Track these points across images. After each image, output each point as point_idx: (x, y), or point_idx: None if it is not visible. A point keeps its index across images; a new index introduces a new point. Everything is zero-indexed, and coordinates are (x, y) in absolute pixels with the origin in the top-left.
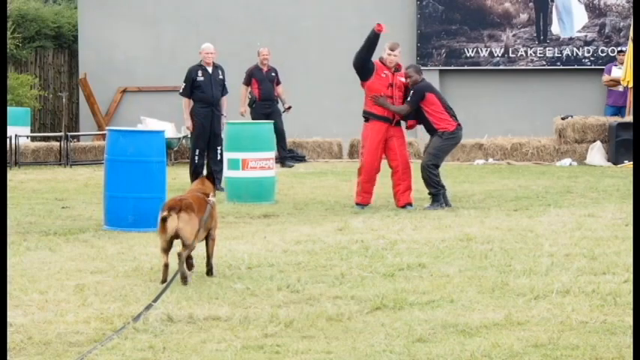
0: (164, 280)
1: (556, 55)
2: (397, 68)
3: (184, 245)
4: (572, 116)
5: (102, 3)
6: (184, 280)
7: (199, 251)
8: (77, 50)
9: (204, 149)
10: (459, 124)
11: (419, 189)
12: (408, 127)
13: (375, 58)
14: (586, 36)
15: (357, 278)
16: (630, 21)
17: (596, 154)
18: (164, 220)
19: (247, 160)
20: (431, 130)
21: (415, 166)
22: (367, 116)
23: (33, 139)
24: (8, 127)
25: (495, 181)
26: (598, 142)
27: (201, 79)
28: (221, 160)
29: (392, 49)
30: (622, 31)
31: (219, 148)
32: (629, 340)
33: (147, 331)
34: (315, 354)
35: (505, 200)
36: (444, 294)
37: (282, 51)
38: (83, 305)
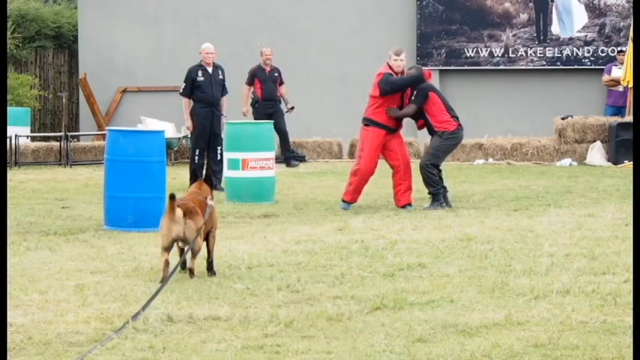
0: (164, 279)
1: (556, 55)
2: (402, 74)
3: (191, 249)
4: (572, 116)
5: (102, 3)
6: (192, 273)
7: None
8: (77, 50)
9: (204, 149)
10: (459, 125)
11: (419, 189)
12: (419, 128)
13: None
14: (586, 36)
15: (357, 278)
16: (630, 21)
17: (596, 154)
18: (170, 218)
19: (247, 160)
20: (431, 130)
21: (415, 166)
22: (368, 123)
23: (33, 139)
24: (8, 127)
25: (495, 181)
26: (598, 142)
27: (202, 79)
28: (221, 160)
29: (397, 55)
30: (622, 31)
31: (219, 148)
32: (629, 340)
33: (147, 331)
34: (315, 354)
35: (505, 200)
36: (444, 294)
37: (282, 51)
38: (83, 305)
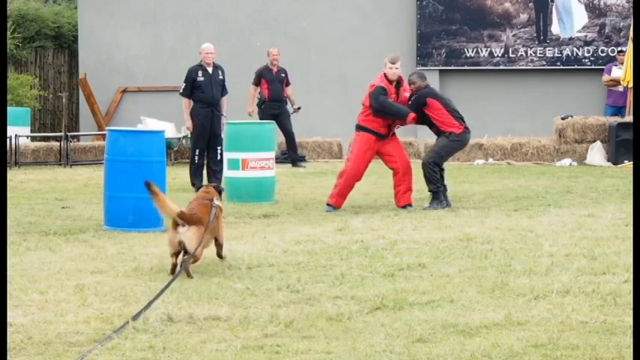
0: (172, 272)
1: (556, 55)
2: (399, 81)
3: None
4: (572, 116)
5: (102, 3)
6: (188, 274)
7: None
8: (77, 50)
9: (204, 149)
10: (466, 128)
11: (419, 189)
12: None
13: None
14: (586, 36)
15: (357, 278)
16: (630, 21)
17: (596, 154)
18: (174, 229)
19: (247, 160)
20: (438, 132)
21: (415, 166)
22: (359, 129)
23: (33, 139)
24: (8, 127)
25: (495, 181)
26: (598, 142)
27: (202, 79)
28: (221, 160)
29: (393, 63)
30: (622, 31)
31: (219, 148)
32: (629, 340)
33: (147, 331)
34: (315, 354)
35: (505, 200)
36: (444, 294)
37: (282, 51)
38: (83, 305)
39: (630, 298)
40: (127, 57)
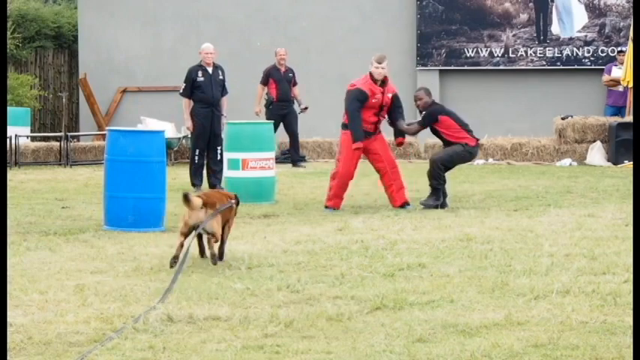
0: (175, 257)
1: (556, 55)
2: (384, 81)
3: (208, 232)
4: (572, 116)
5: (102, 3)
6: (213, 258)
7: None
8: (77, 50)
9: (204, 149)
10: (477, 140)
11: (419, 189)
12: (397, 144)
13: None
14: (586, 36)
15: (357, 278)
16: (630, 21)
17: (596, 154)
18: (190, 207)
19: (247, 160)
20: (449, 142)
21: (416, 165)
22: (345, 128)
23: (33, 139)
24: (8, 127)
25: (495, 181)
26: (598, 142)
27: (202, 79)
28: (221, 160)
29: (379, 62)
30: (622, 31)
31: (219, 148)
32: (629, 340)
33: (147, 331)
34: (315, 354)
35: (505, 200)
36: (444, 294)
37: None
38: (83, 305)
39: (630, 298)
40: (127, 57)
